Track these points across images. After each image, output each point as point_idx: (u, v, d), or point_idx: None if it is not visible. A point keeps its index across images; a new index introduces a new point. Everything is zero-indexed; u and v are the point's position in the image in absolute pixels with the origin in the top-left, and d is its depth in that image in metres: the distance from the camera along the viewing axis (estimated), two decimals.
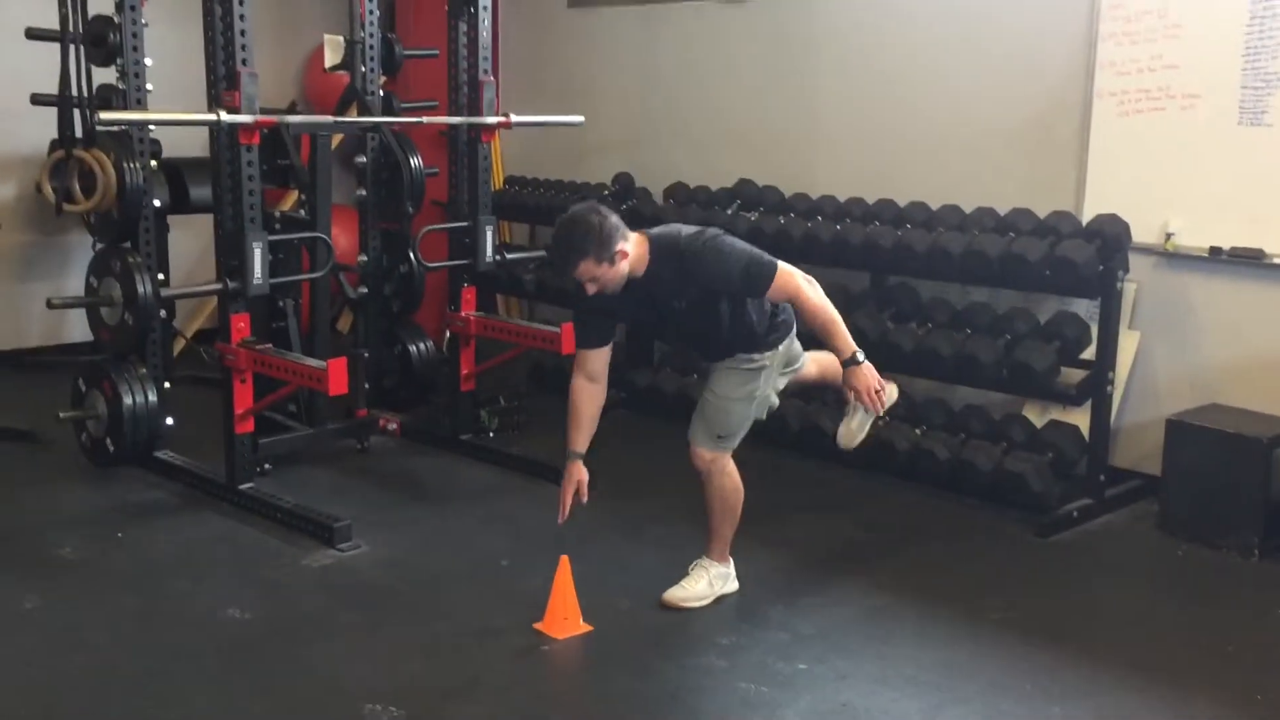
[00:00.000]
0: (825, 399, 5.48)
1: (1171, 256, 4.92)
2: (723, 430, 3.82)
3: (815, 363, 4.10)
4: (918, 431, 5.07)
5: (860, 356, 3.64)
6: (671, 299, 3.68)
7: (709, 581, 3.95)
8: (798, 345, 3.98)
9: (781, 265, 3.63)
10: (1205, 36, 4.73)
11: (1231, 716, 3.32)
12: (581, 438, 3.80)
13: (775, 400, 3.98)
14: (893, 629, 3.81)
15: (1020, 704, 3.35)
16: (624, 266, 3.57)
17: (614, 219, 3.54)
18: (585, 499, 3.80)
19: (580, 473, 3.79)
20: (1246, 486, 4.42)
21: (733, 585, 4.02)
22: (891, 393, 3.89)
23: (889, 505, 4.94)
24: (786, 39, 6.16)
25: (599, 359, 3.78)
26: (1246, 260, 4.71)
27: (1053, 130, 5.23)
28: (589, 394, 3.78)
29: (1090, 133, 5.07)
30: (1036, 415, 5.15)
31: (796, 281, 3.64)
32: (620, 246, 3.53)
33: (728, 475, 3.89)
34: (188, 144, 5.50)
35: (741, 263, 3.59)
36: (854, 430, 4.06)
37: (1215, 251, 4.78)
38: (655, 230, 3.72)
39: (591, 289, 3.58)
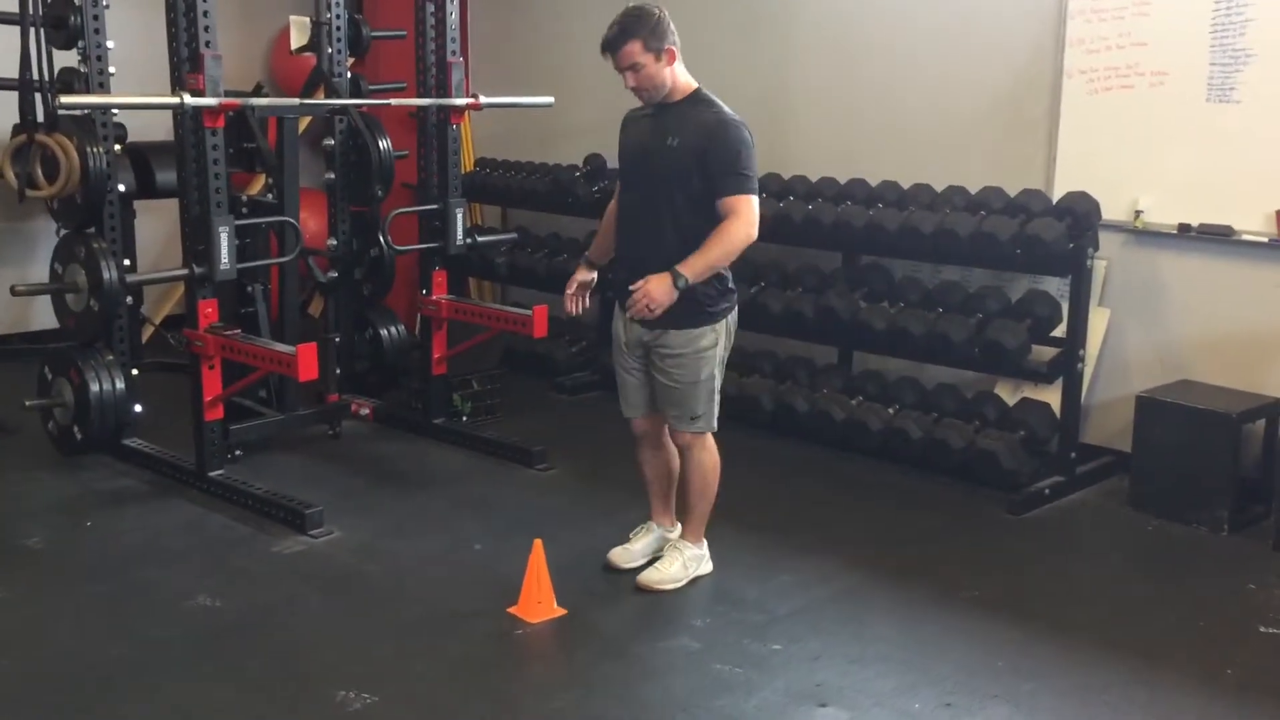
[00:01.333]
0: (798, 379, 5.49)
1: (1141, 234, 4.94)
2: (695, 412, 3.82)
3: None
4: (890, 411, 5.08)
5: (681, 283, 3.60)
6: (671, 134, 3.70)
7: (683, 563, 3.96)
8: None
9: (756, 199, 3.66)
10: (1173, 14, 4.74)
11: (1203, 690, 3.35)
12: (597, 248, 4.05)
13: None
14: (866, 608, 3.82)
15: (993, 681, 3.36)
16: (666, 73, 3.66)
17: (673, 26, 3.66)
18: (586, 305, 3.98)
19: (585, 274, 3.99)
20: (1217, 462, 4.45)
21: (707, 567, 4.03)
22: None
23: (862, 485, 4.95)
24: (757, 19, 6.14)
25: None
26: (1215, 237, 4.73)
27: (1023, 108, 5.23)
28: (616, 216, 3.97)
29: (1060, 111, 5.08)
30: (1008, 393, 5.17)
31: (747, 214, 3.62)
32: (670, 45, 3.64)
33: (708, 451, 3.90)
34: (153, 128, 5.42)
35: (742, 158, 3.64)
36: (634, 551, 4.05)
37: (1184, 228, 4.80)
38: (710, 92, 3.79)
39: (630, 81, 3.67)
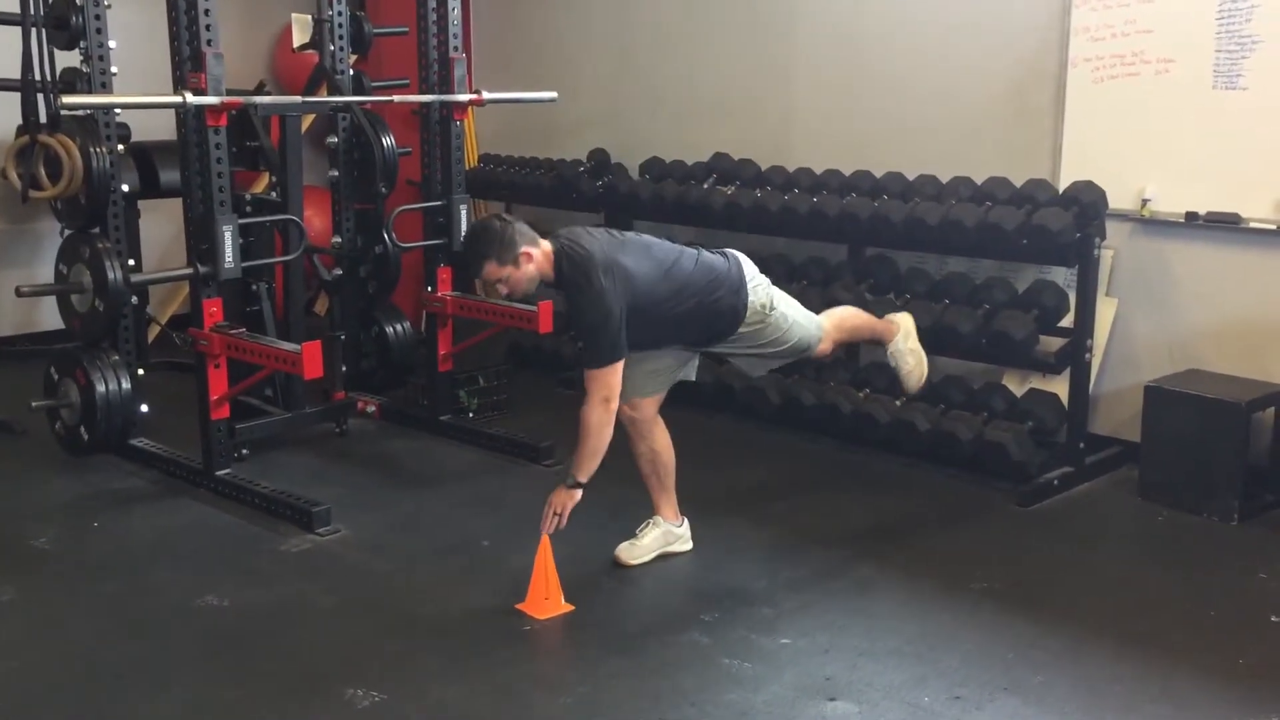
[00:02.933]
0: (805, 372, 5.48)
1: (1148, 222, 4.92)
2: (807, 342, 4.03)
3: (837, 328, 4.20)
4: (898, 403, 5.06)
5: (572, 482, 3.76)
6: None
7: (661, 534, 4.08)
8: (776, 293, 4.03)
9: (607, 370, 3.68)
10: (1179, 1, 4.71)
11: (1214, 681, 3.33)
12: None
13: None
14: (875, 601, 3.81)
15: (1003, 673, 3.35)
16: (531, 269, 3.76)
17: (519, 226, 3.77)
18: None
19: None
20: (1226, 451, 4.43)
21: (686, 545, 4.12)
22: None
23: (870, 477, 4.94)
24: (761, 11, 6.12)
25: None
26: (1223, 225, 4.70)
27: (1028, 98, 5.21)
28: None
29: (1065, 100, 5.05)
30: (1016, 384, 5.15)
31: (595, 392, 3.69)
32: (524, 249, 3.73)
33: (842, 319, 4.20)
34: (157, 127, 5.42)
35: (586, 322, 3.71)
36: (642, 547, 4.09)
37: (1191, 217, 4.78)
38: (566, 234, 3.83)
39: (503, 290, 3.81)
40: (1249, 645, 3.53)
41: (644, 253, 3.81)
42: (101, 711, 3.20)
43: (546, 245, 3.79)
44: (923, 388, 4.40)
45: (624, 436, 3.96)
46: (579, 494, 3.77)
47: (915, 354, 4.28)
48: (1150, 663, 3.42)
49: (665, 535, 4.09)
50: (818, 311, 4.17)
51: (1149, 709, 3.20)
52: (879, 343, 4.36)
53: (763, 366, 4.17)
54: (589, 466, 3.74)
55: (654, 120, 6.60)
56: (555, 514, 3.76)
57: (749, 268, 3.97)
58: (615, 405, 3.72)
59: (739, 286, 3.88)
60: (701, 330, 3.89)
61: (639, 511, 4.16)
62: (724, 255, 3.97)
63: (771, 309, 3.93)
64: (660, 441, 4.04)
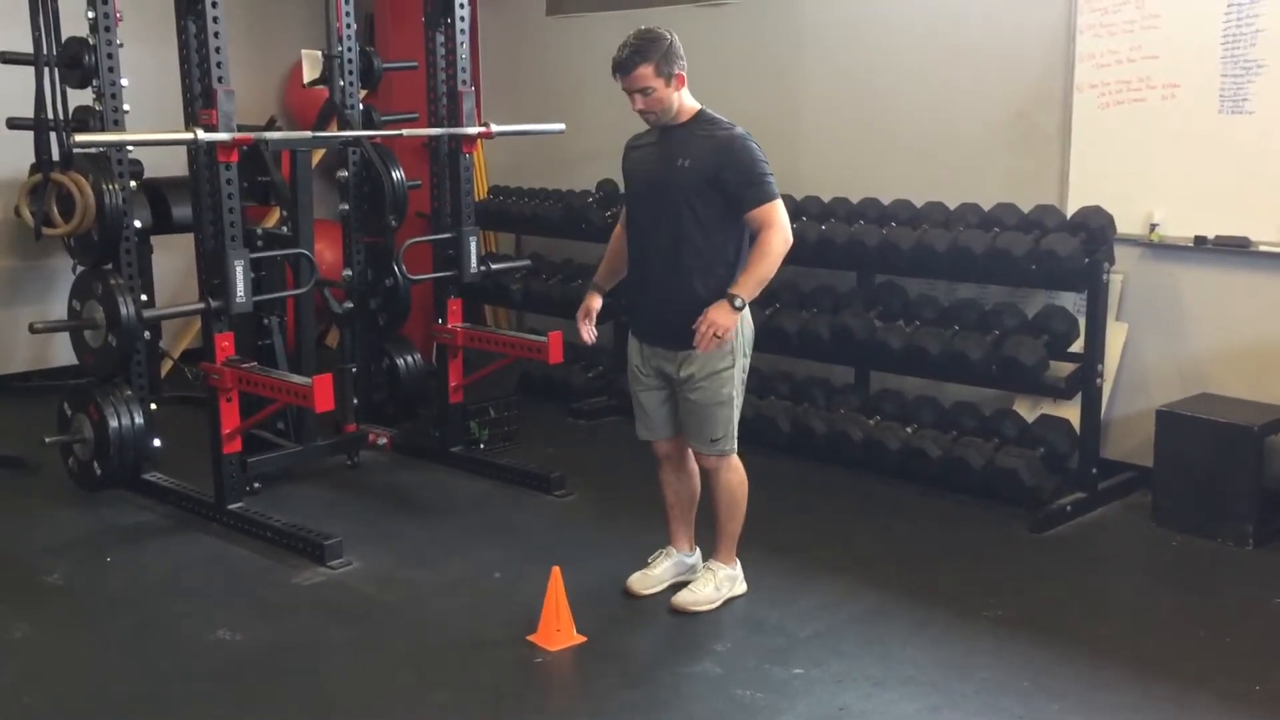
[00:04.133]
0: (816, 400, 5.47)
1: (1157, 247, 4.92)
2: (717, 434, 3.81)
3: (734, 470, 3.98)
4: (909, 430, 5.05)
5: (739, 303, 3.64)
6: (680, 156, 3.73)
7: (716, 585, 3.95)
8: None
9: (781, 201, 3.68)
10: (1183, 26, 4.73)
11: (1230, 707, 3.31)
12: (606, 275, 4.07)
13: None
14: (889, 630, 3.80)
15: (1018, 702, 3.33)
16: (674, 97, 3.70)
17: (682, 51, 3.70)
18: (593, 333, 3.96)
19: (594, 301, 4.00)
20: (1239, 475, 4.41)
21: (741, 587, 4.02)
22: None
23: (882, 505, 4.93)
24: (767, 41, 6.15)
25: None
26: (1232, 249, 4.70)
27: (1034, 124, 5.22)
28: (624, 243, 3.98)
29: (1072, 125, 5.07)
30: (1027, 410, 5.14)
31: (780, 220, 3.65)
32: (679, 70, 3.68)
33: (734, 471, 3.90)
34: (171, 164, 5.47)
35: (760, 168, 3.67)
36: (654, 577, 4.05)
37: (1200, 241, 4.78)
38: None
39: (639, 103, 3.70)
40: (1266, 671, 3.50)
41: None
42: None
43: (692, 98, 3.77)
44: (684, 613, 3.92)
45: (643, 467, 3.94)
46: (738, 318, 3.67)
47: (716, 593, 3.93)
48: (1166, 689, 3.40)
49: (677, 565, 4.07)
50: None
51: None
52: (715, 546, 3.99)
53: (695, 421, 3.82)
54: (757, 290, 3.67)
55: None
56: (717, 335, 3.63)
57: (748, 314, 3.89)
58: (791, 239, 3.66)
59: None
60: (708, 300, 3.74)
61: (651, 541, 4.16)
62: None
63: (736, 363, 3.78)
64: (687, 474, 4.02)
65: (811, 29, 5.97)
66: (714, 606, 3.92)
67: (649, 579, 4.03)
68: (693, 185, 3.69)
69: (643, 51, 3.65)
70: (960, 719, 3.25)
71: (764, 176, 3.66)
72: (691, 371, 3.77)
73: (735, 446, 3.87)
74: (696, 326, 3.64)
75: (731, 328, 3.65)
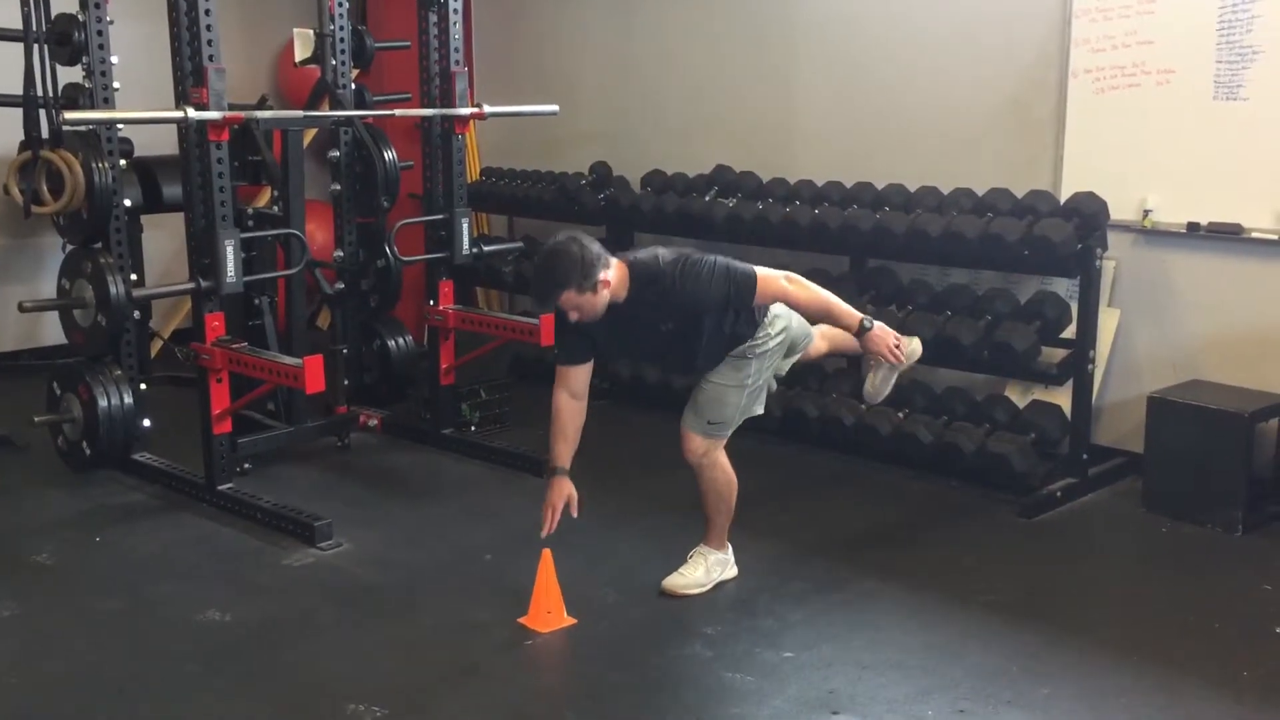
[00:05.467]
0: (807, 384, 5.47)
1: (1150, 233, 4.91)
2: (714, 417, 3.81)
3: (823, 338, 4.14)
4: (900, 415, 5.05)
5: (869, 324, 3.69)
6: (658, 323, 3.69)
7: (706, 569, 3.95)
8: (804, 326, 3.97)
9: (760, 272, 3.63)
10: (1179, 11, 4.72)
11: (1219, 693, 3.32)
12: (566, 452, 3.77)
13: (774, 384, 4.02)
14: (879, 614, 3.80)
15: (1007, 686, 3.34)
16: (605, 295, 3.56)
17: (595, 248, 3.54)
18: (576, 514, 3.74)
19: (567, 488, 3.74)
20: (1229, 462, 4.42)
21: (732, 571, 4.02)
22: (914, 347, 4.02)
23: (873, 489, 4.93)
24: (762, 24, 6.13)
25: (581, 375, 3.76)
26: (1225, 235, 4.70)
27: (1029, 109, 5.21)
28: (572, 410, 3.76)
29: (1066, 111, 5.06)
30: (1018, 395, 5.14)
31: (778, 284, 3.64)
32: (602, 275, 3.52)
33: (719, 469, 3.88)
34: (161, 142, 5.43)
35: (720, 284, 3.59)
36: (878, 385, 4.02)
37: (1193, 227, 4.77)
38: (635, 256, 3.69)
39: (574, 316, 3.58)
40: (1254, 657, 3.51)
41: None
42: None
43: (618, 263, 3.62)
44: (674, 596, 3.90)
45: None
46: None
47: (706, 577, 3.92)
48: (1155, 675, 3.41)
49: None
50: None
51: None
52: (706, 533, 3.97)
53: (702, 402, 3.82)
54: (850, 308, 3.70)
55: (655, 133, 6.60)
56: (896, 345, 3.73)
57: (795, 320, 3.92)
58: (793, 284, 3.65)
59: (767, 337, 3.85)
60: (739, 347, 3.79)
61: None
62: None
63: (775, 350, 3.84)
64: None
65: (805, 13, 5.94)
66: (704, 590, 3.92)
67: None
68: (686, 326, 3.66)
69: (558, 282, 3.49)
70: (949, 702, 3.25)
71: (728, 277, 3.58)
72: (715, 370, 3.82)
73: (725, 437, 3.86)
74: (879, 361, 3.81)
75: (890, 338, 3.73)
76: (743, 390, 3.82)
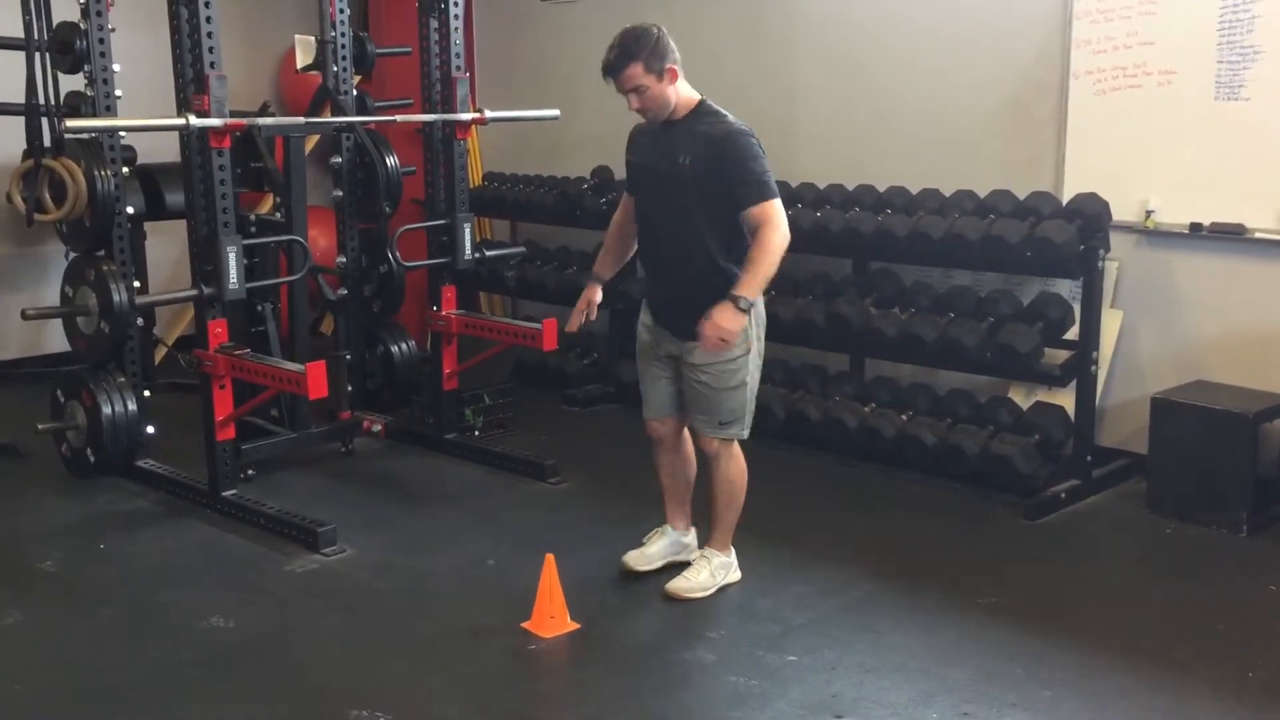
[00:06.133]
0: (810, 387, 5.47)
1: (1152, 234, 4.91)
2: (726, 418, 3.81)
3: (735, 458, 3.99)
4: (903, 417, 5.05)
5: (744, 304, 3.59)
6: (681, 152, 3.68)
7: (710, 572, 3.95)
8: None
9: (778, 199, 3.63)
10: (1180, 12, 4.71)
11: (1224, 694, 3.31)
12: (606, 262, 4.07)
13: None
14: (882, 617, 3.79)
15: (1011, 689, 3.33)
16: (670, 91, 3.65)
17: (672, 43, 3.64)
18: (593, 317, 4.03)
19: (595, 293, 4.03)
20: (1233, 463, 4.41)
21: (735, 575, 4.02)
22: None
23: (876, 492, 4.92)
24: (762, 27, 6.13)
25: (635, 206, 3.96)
26: (1227, 236, 4.69)
27: (1030, 111, 5.21)
28: (624, 231, 4.01)
29: (1068, 112, 5.05)
30: (1022, 397, 5.13)
31: (777, 218, 3.60)
32: (671, 65, 3.62)
33: (735, 460, 3.89)
34: (165, 150, 5.44)
35: (757, 165, 3.62)
36: (650, 555, 4.05)
37: (1195, 228, 4.77)
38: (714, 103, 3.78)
39: (634, 103, 3.67)
40: (1259, 658, 3.50)
41: None
42: None
43: (691, 89, 3.71)
44: (678, 599, 3.91)
45: (637, 453, 3.95)
46: (745, 319, 3.62)
47: (710, 580, 3.92)
48: (1159, 677, 3.40)
49: (673, 545, 4.07)
50: None
51: None
52: (710, 533, 3.98)
53: (703, 403, 3.81)
54: (760, 289, 3.63)
55: None
56: (725, 338, 3.60)
57: (761, 300, 3.84)
58: (788, 235, 3.61)
59: None
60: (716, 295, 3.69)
61: (644, 528, 4.15)
62: None
63: (750, 349, 3.77)
64: (682, 458, 4.02)
65: (806, 17, 5.95)
66: (708, 593, 3.92)
67: (645, 556, 4.03)
68: (695, 182, 3.66)
69: (629, 50, 3.59)
70: (953, 705, 3.25)
71: (760, 174, 3.61)
72: (702, 360, 3.76)
73: (745, 434, 3.86)
74: (701, 330, 3.61)
75: (737, 331, 3.61)
76: (743, 389, 3.79)
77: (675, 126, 3.72)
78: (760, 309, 3.79)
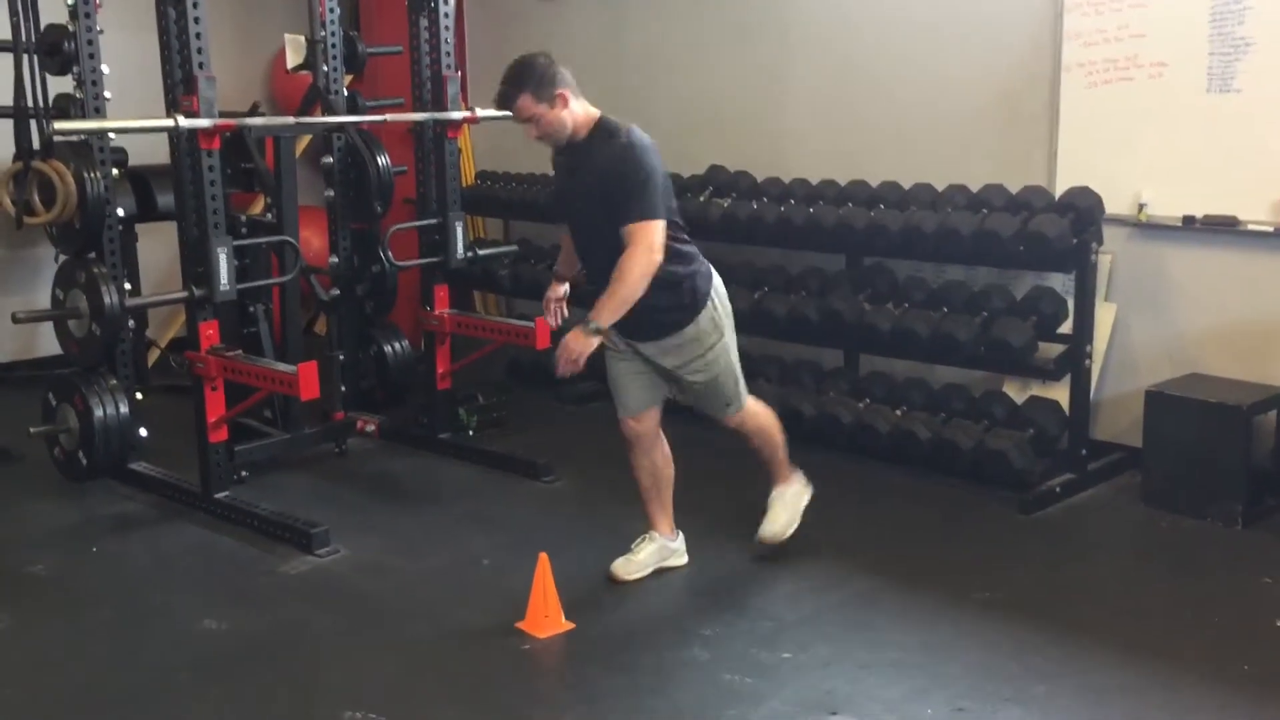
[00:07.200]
0: (804, 383, 5.46)
1: (1145, 227, 4.90)
2: (729, 398, 3.93)
3: (756, 415, 4.14)
4: (898, 412, 5.04)
5: (593, 328, 3.59)
6: (585, 172, 3.72)
7: (784, 505, 4.15)
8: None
9: (657, 222, 3.58)
10: (1171, 4, 4.71)
11: (1220, 687, 3.30)
12: (567, 263, 4.12)
13: None
14: (877, 613, 3.79)
15: (1006, 684, 3.32)
16: (565, 116, 3.65)
17: (564, 71, 3.65)
18: (565, 314, 4.12)
19: (555, 291, 4.13)
20: (1228, 455, 4.40)
21: (807, 495, 4.21)
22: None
23: (871, 487, 4.92)
24: (754, 24, 6.12)
25: None
26: (1220, 228, 4.69)
27: (1022, 104, 5.20)
28: (572, 242, 4.04)
29: (1059, 105, 5.05)
30: (1016, 392, 5.13)
31: (647, 240, 3.55)
32: (561, 90, 3.62)
33: (753, 416, 4.05)
34: (157, 151, 5.42)
35: (639, 184, 3.58)
36: (638, 563, 4.06)
37: (1188, 220, 4.76)
38: (613, 118, 3.77)
39: (532, 132, 3.69)
40: (1253, 651, 3.50)
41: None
42: None
43: (589, 107, 3.72)
44: (778, 546, 4.14)
45: (623, 451, 3.95)
46: (596, 342, 3.62)
47: (792, 513, 4.15)
48: (1154, 670, 3.39)
49: (661, 550, 4.07)
50: None
51: (1153, 717, 3.17)
52: (771, 475, 4.17)
53: (704, 398, 3.94)
54: (616, 314, 3.59)
55: (649, 133, 6.52)
56: (572, 360, 3.61)
57: (719, 282, 3.90)
58: (659, 259, 3.57)
59: (709, 277, 3.83)
60: (668, 300, 3.71)
61: (638, 527, 4.14)
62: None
63: (722, 335, 3.84)
64: (661, 456, 4.04)
65: (797, 12, 5.94)
66: (795, 526, 4.11)
67: (632, 564, 4.02)
68: (602, 200, 3.65)
69: (517, 83, 3.63)
70: (948, 701, 3.24)
71: (639, 192, 3.57)
72: (676, 363, 3.81)
73: (745, 397, 3.99)
74: (557, 354, 3.66)
75: (584, 354, 3.62)
76: (716, 366, 3.85)
77: (578, 148, 3.74)
78: (721, 304, 3.84)
